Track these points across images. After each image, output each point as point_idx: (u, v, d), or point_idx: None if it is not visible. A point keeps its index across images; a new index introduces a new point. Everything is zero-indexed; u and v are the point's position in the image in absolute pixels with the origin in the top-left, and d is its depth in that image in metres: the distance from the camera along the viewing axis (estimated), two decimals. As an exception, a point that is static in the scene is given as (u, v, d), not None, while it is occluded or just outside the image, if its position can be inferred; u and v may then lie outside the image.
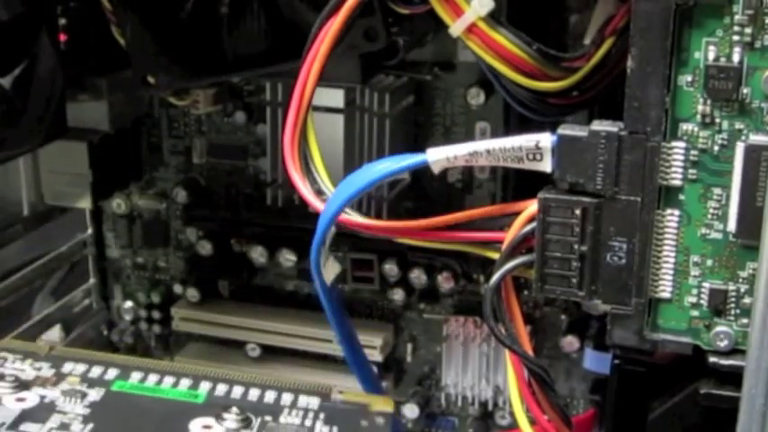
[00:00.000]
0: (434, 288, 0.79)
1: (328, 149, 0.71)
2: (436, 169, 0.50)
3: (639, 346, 0.49)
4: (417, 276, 0.79)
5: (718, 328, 0.48)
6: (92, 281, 0.91)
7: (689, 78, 0.46)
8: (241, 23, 0.66)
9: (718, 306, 0.48)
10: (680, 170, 0.47)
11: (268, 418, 0.57)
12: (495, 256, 0.50)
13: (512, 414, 0.59)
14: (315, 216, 0.54)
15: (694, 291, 0.48)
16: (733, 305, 0.47)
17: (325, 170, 0.54)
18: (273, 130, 0.75)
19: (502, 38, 0.51)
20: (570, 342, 0.77)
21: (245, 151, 0.82)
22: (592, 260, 0.48)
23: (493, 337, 0.51)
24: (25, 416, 0.56)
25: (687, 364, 0.50)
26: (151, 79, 0.68)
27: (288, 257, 0.82)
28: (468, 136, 0.76)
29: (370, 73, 0.71)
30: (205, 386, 0.60)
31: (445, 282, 0.78)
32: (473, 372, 0.80)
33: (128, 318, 0.90)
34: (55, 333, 0.86)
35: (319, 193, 0.54)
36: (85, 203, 0.83)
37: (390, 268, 0.79)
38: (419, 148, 0.76)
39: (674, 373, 0.51)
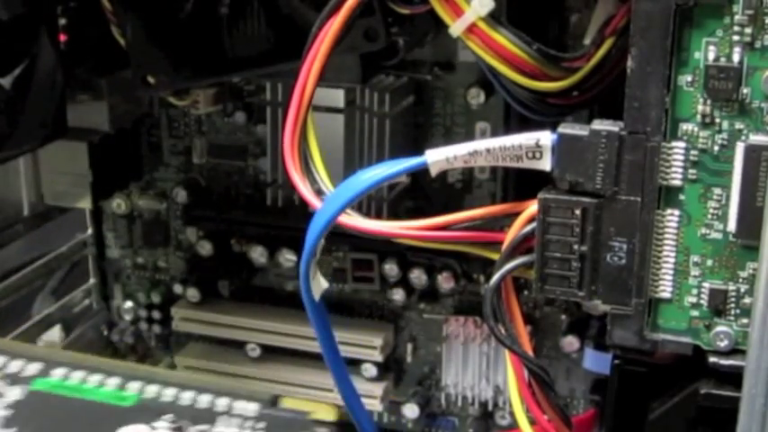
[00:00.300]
0: (434, 288, 0.79)
1: (328, 149, 0.70)
2: (434, 171, 0.49)
3: (639, 347, 0.49)
4: (417, 276, 0.79)
5: (719, 328, 0.48)
6: (92, 281, 0.91)
7: (689, 78, 0.46)
8: (241, 23, 0.66)
9: (718, 306, 0.48)
10: (680, 170, 0.47)
11: (203, 426, 0.54)
12: (495, 256, 0.50)
13: (512, 414, 0.59)
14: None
15: (694, 291, 0.48)
16: (733, 305, 0.47)
17: (326, 170, 0.54)
18: (273, 130, 0.75)
19: (502, 38, 0.51)
20: (570, 342, 0.76)
21: (245, 151, 0.82)
22: (592, 260, 0.48)
23: (493, 337, 0.51)
24: None
25: (687, 364, 0.50)
26: (151, 79, 0.68)
27: (288, 257, 0.82)
28: (468, 136, 0.76)
29: (370, 73, 0.71)
30: (134, 387, 0.56)
31: (445, 282, 0.78)
32: (473, 372, 0.80)
33: (128, 318, 0.90)
34: (55, 333, 0.86)
35: (319, 193, 0.53)
36: (85, 203, 0.83)
37: (390, 268, 0.79)
38: (419, 147, 0.76)
39: (674, 373, 0.51)
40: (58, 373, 0.57)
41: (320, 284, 0.54)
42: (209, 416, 0.55)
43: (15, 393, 0.55)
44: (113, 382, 0.57)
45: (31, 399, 0.55)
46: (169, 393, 0.56)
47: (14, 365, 0.58)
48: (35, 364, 0.58)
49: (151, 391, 0.56)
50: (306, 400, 0.58)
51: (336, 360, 0.57)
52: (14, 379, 0.56)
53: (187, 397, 0.56)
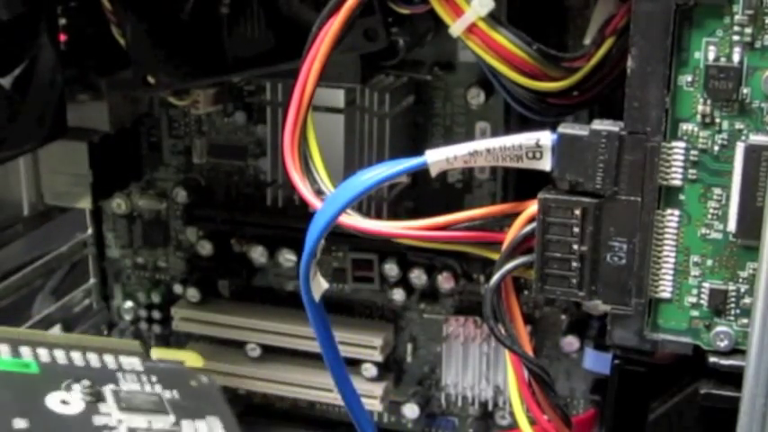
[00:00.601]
0: (434, 288, 0.79)
1: (328, 149, 0.70)
2: (434, 171, 0.49)
3: (639, 347, 0.49)
4: (417, 276, 0.79)
5: (719, 329, 0.48)
6: (92, 281, 0.91)
7: (689, 78, 0.46)
8: (241, 23, 0.66)
9: (718, 306, 0.48)
10: (680, 170, 0.47)
11: (112, 386, 0.56)
12: (495, 256, 0.50)
13: (512, 414, 0.59)
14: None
15: (694, 291, 0.48)
16: (733, 305, 0.47)
17: (326, 170, 0.54)
18: (273, 130, 0.75)
19: (502, 38, 0.51)
20: (570, 342, 0.76)
21: (245, 151, 0.82)
22: (592, 260, 0.48)
23: (493, 337, 0.51)
24: None
25: (687, 364, 0.50)
26: (151, 79, 0.68)
27: (288, 257, 0.82)
28: (468, 136, 0.76)
29: (370, 73, 0.71)
30: (26, 353, 0.56)
31: (445, 282, 0.78)
32: (473, 372, 0.80)
33: (128, 318, 0.90)
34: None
35: (319, 192, 0.53)
36: (85, 203, 0.83)
37: (390, 268, 0.79)
38: (419, 147, 0.76)
39: (674, 373, 0.51)
40: None
41: (320, 285, 0.54)
42: (110, 375, 0.57)
43: None
44: (4, 348, 0.57)
45: None
46: (60, 356, 0.57)
47: None
48: None
49: (44, 355, 0.56)
50: (167, 349, 0.61)
51: (336, 360, 0.57)
52: None
53: (77, 357, 0.57)
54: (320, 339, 0.56)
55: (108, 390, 0.56)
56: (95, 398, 0.55)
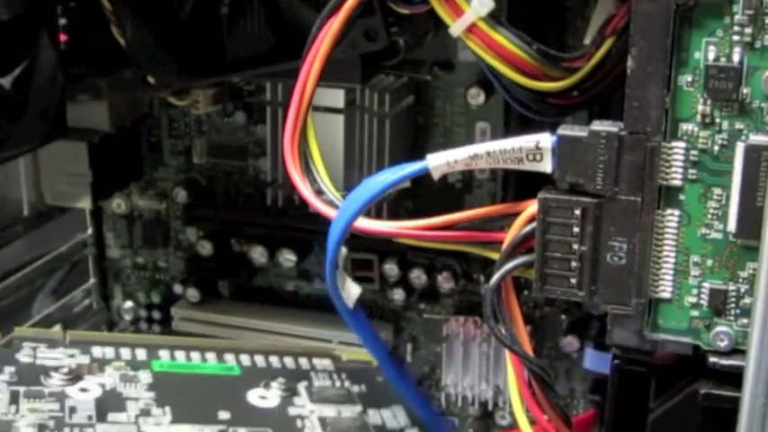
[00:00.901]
0: (434, 288, 0.79)
1: (328, 149, 0.71)
2: (436, 175, 0.49)
3: (639, 347, 0.49)
4: (417, 276, 0.79)
5: (719, 328, 0.48)
6: (92, 281, 0.91)
7: (689, 78, 0.46)
8: (241, 23, 0.66)
9: (718, 306, 0.48)
10: (680, 170, 0.47)
11: (305, 383, 0.64)
12: (495, 256, 0.50)
13: (512, 414, 0.59)
14: (315, 216, 0.54)
15: (694, 291, 0.48)
16: (733, 305, 0.47)
17: (325, 170, 0.54)
18: (273, 130, 0.75)
19: (502, 38, 0.51)
20: (570, 342, 0.76)
21: (245, 151, 0.82)
22: (592, 260, 0.48)
23: (493, 337, 0.51)
24: (101, 406, 0.56)
25: (687, 364, 0.50)
26: (151, 79, 0.68)
27: (288, 257, 0.82)
28: (468, 136, 0.76)
29: (370, 73, 0.71)
30: (230, 358, 0.65)
31: (445, 282, 0.78)
32: (473, 372, 0.80)
33: (128, 318, 0.90)
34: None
35: (319, 192, 0.54)
36: (85, 203, 0.83)
37: (390, 268, 0.79)
38: (419, 147, 0.77)
39: (674, 373, 0.51)
40: (164, 354, 0.64)
41: (352, 292, 0.54)
42: (304, 374, 0.65)
43: (146, 377, 0.61)
44: (210, 356, 0.65)
45: (161, 379, 0.61)
46: (260, 360, 0.66)
47: (125, 353, 0.64)
48: (140, 350, 0.64)
49: (245, 360, 0.65)
50: (350, 353, 0.69)
51: (390, 362, 0.57)
52: (135, 365, 0.62)
53: (275, 361, 0.66)
54: (367, 345, 0.56)
55: (301, 386, 0.63)
56: (290, 393, 0.62)
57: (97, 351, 0.63)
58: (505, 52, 0.51)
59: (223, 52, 0.66)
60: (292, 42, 0.62)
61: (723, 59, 0.45)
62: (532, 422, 0.53)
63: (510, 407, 0.78)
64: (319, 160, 0.54)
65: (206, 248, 0.84)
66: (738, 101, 0.45)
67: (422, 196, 0.78)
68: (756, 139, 0.45)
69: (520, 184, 0.73)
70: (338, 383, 0.65)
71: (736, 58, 0.45)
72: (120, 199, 0.86)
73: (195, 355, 0.65)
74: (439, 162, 0.49)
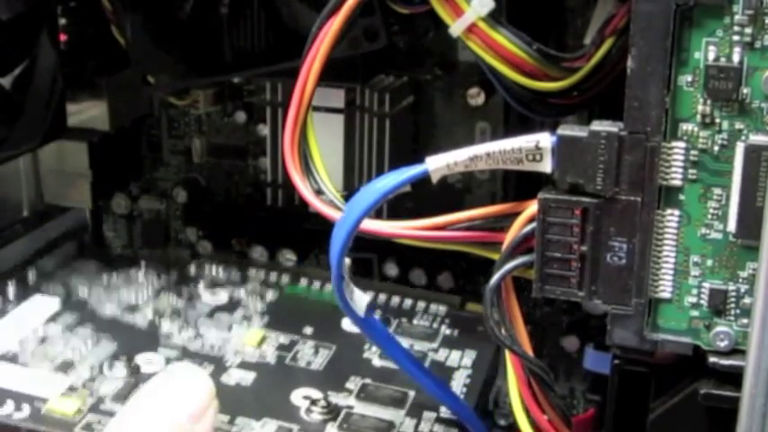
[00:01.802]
0: (434, 288, 0.79)
1: (328, 149, 0.71)
2: (436, 178, 0.49)
3: (639, 347, 0.49)
4: (417, 276, 0.79)
5: (719, 329, 0.48)
6: (92, 281, 0.91)
7: (689, 78, 0.46)
8: (241, 23, 0.66)
9: (718, 306, 0.48)
10: (680, 170, 0.47)
11: (404, 319, 0.71)
12: (495, 256, 0.50)
13: (512, 414, 0.59)
14: (315, 216, 0.54)
15: (694, 291, 0.48)
16: (733, 305, 0.47)
17: (325, 170, 0.54)
18: (273, 130, 0.75)
19: (502, 38, 0.51)
20: (570, 342, 0.76)
21: (245, 151, 0.82)
22: (592, 260, 0.48)
23: (493, 336, 0.51)
24: (217, 309, 0.71)
25: (687, 364, 0.49)
26: (151, 79, 0.68)
27: (288, 257, 0.82)
28: (468, 136, 0.76)
29: (370, 73, 0.71)
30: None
31: (445, 282, 0.78)
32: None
33: (128, 318, 0.90)
34: None
35: (319, 192, 0.54)
36: (85, 203, 0.83)
37: (390, 268, 0.79)
38: (419, 147, 0.76)
39: (674, 373, 0.51)
40: (303, 281, 0.76)
41: (361, 300, 0.54)
42: (410, 313, 0.73)
43: (273, 296, 0.74)
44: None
45: (285, 299, 0.74)
46: (381, 298, 0.75)
47: (272, 277, 0.76)
48: (286, 275, 0.77)
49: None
50: (475, 305, 0.74)
51: (412, 365, 0.57)
52: (272, 285, 0.75)
53: (395, 300, 0.74)
54: (384, 348, 0.56)
55: (396, 321, 0.71)
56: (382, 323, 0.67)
57: (252, 271, 0.78)
58: (505, 52, 0.51)
59: (223, 52, 0.66)
60: (292, 42, 0.62)
61: (723, 59, 0.45)
62: (532, 422, 0.53)
63: (510, 407, 0.78)
64: (319, 160, 0.54)
65: (206, 248, 0.84)
66: (738, 101, 0.45)
67: (422, 196, 0.78)
68: (756, 139, 0.45)
69: (520, 184, 0.73)
70: (435, 325, 0.71)
71: (736, 58, 0.45)
72: (121, 199, 0.86)
73: (328, 286, 0.74)
74: (439, 165, 0.49)
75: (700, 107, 0.46)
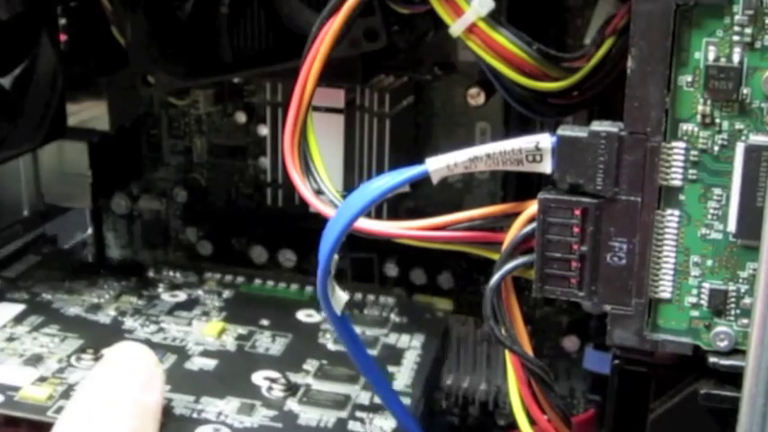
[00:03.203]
0: (434, 288, 0.79)
1: (328, 149, 0.71)
2: (436, 179, 0.49)
3: (639, 347, 0.49)
4: (417, 276, 0.79)
5: (719, 329, 0.48)
6: (92, 281, 0.91)
7: (689, 78, 0.46)
8: (241, 23, 0.66)
9: (718, 306, 0.48)
10: (680, 170, 0.47)
11: (356, 310, 0.74)
12: (495, 256, 0.50)
13: (512, 414, 0.59)
14: (315, 216, 0.54)
15: (694, 291, 0.48)
16: (733, 305, 0.47)
17: (325, 170, 0.54)
18: (273, 130, 0.75)
19: (502, 38, 0.51)
20: (570, 342, 0.76)
21: (245, 151, 0.82)
22: (592, 261, 0.48)
23: (493, 337, 0.51)
24: (177, 307, 0.73)
25: (687, 364, 0.49)
26: (151, 79, 0.68)
27: (288, 257, 0.82)
28: (468, 136, 0.76)
29: (370, 73, 0.71)
30: (310, 289, 0.76)
31: (445, 282, 0.78)
32: (473, 372, 0.80)
33: (128, 318, 0.90)
34: None
35: (319, 192, 0.53)
36: (85, 203, 0.83)
37: (390, 268, 0.79)
38: (419, 147, 0.77)
39: (674, 373, 0.51)
40: (257, 281, 0.79)
41: (340, 299, 0.54)
42: (361, 305, 0.75)
43: (227, 294, 0.77)
44: (294, 286, 0.78)
45: (240, 296, 0.76)
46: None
47: (227, 278, 0.79)
48: (241, 277, 0.79)
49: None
50: (430, 297, 0.78)
51: (373, 371, 0.57)
52: (226, 284, 0.78)
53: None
54: (352, 352, 0.56)
55: (348, 312, 0.70)
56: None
57: (208, 274, 0.80)
58: (505, 52, 0.51)
59: (223, 52, 0.66)
60: (292, 42, 0.62)
61: (723, 59, 0.45)
62: (532, 422, 0.53)
63: (510, 407, 0.78)
64: (319, 160, 0.54)
65: (206, 248, 0.84)
66: (738, 101, 0.45)
67: (422, 196, 0.78)
68: (756, 139, 0.45)
69: (520, 184, 0.73)
70: (384, 313, 0.74)
71: (736, 58, 0.45)
72: (121, 199, 0.86)
73: (282, 284, 0.78)
74: (438, 166, 0.49)
75: (700, 107, 0.46)
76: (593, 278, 0.48)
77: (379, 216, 0.72)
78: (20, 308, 0.71)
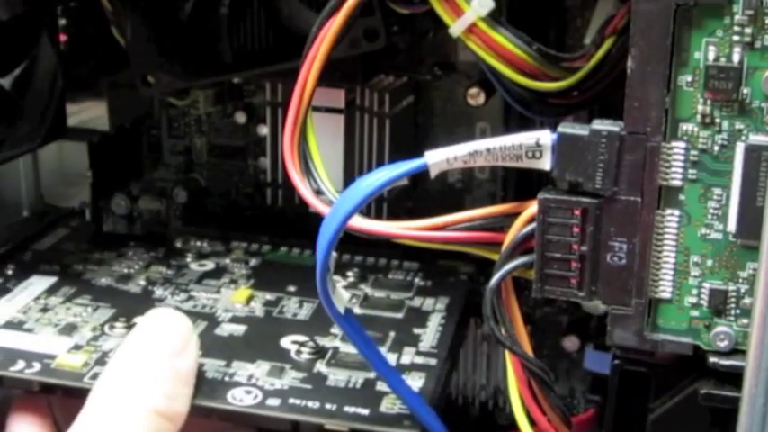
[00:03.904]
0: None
1: (328, 149, 0.71)
2: (434, 172, 0.49)
3: (639, 347, 0.49)
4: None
5: (719, 329, 0.48)
6: (92, 281, 0.91)
7: (689, 78, 0.46)
8: (241, 23, 0.66)
9: (718, 306, 0.48)
10: (680, 170, 0.47)
11: (380, 275, 0.74)
12: (495, 256, 0.50)
13: (512, 414, 0.59)
14: (315, 216, 0.54)
15: (694, 291, 0.48)
16: (733, 305, 0.47)
17: (325, 170, 0.54)
18: (273, 131, 0.75)
19: (502, 38, 0.51)
20: (570, 342, 0.76)
21: (245, 151, 0.82)
22: (592, 261, 0.48)
23: (493, 337, 0.51)
24: (205, 275, 0.74)
25: (687, 364, 0.49)
26: (151, 79, 0.68)
27: (288, 257, 0.81)
28: (469, 136, 0.76)
29: (370, 73, 0.71)
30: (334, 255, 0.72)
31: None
32: (473, 372, 0.80)
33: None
34: None
35: (319, 193, 0.53)
36: (85, 204, 0.83)
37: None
38: (419, 148, 0.76)
39: (674, 373, 0.51)
40: (283, 249, 0.79)
41: (342, 296, 0.54)
42: (385, 269, 0.76)
43: (254, 262, 0.77)
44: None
45: (266, 264, 0.77)
46: (357, 258, 0.77)
47: (254, 247, 0.79)
48: (267, 246, 0.80)
49: (345, 258, 0.77)
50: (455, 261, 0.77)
51: (385, 366, 0.57)
52: (254, 254, 0.78)
53: (370, 260, 0.77)
54: (361, 349, 0.56)
55: (373, 276, 0.74)
56: (359, 279, 0.74)
57: (234, 243, 0.80)
58: (505, 52, 0.51)
59: (223, 52, 0.66)
60: (292, 42, 0.62)
61: (723, 59, 0.45)
62: (532, 422, 0.53)
63: (510, 407, 0.78)
64: (319, 160, 0.54)
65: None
66: (738, 101, 0.45)
67: (422, 196, 0.78)
68: (756, 139, 0.45)
69: (520, 184, 0.73)
70: (409, 278, 0.74)
71: (736, 58, 0.45)
72: (121, 199, 0.86)
73: (307, 252, 0.79)
74: (438, 159, 0.49)
75: (700, 107, 0.46)
76: (593, 278, 0.48)
77: (379, 216, 0.72)
78: (52, 280, 0.72)
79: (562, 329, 0.77)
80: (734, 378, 0.47)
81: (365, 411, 0.57)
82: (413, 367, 0.62)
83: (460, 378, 0.80)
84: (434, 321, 0.68)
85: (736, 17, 0.44)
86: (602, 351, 0.73)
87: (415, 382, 0.60)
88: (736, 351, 0.48)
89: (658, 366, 0.51)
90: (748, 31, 0.44)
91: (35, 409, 0.62)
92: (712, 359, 0.48)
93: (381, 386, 0.59)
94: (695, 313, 0.48)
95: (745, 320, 0.47)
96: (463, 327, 0.71)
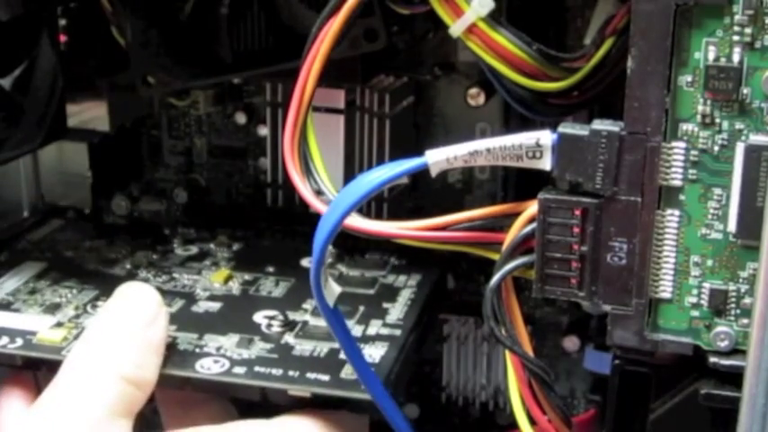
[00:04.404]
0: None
1: (328, 149, 0.71)
2: (434, 172, 0.49)
3: (640, 347, 0.49)
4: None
5: (719, 329, 0.48)
6: (92, 281, 0.91)
7: (689, 78, 0.46)
8: (241, 23, 0.66)
9: (718, 306, 0.48)
10: (680, 170, 0.47)
11: (358, 255, 0.76)
12: (495, 256, 0.50)
13: (512, 414, 0.59)
14: (315, 216, 0.54)
15: (695, 291, 0.48)
16: (733, 305, 0.47)
17: (325, 170, 0.54)
18: (273, 131, 0.75)
19: (502, 38, 0.51)
20: (570, 342, 0.76)
21: (245, 151, 0.82)
22: (592, 261, 0.48)
23: (493, 337, 0.51)
24: (188, 259, 0.76)
25: (687, 364, 0.50)
26: (151, 79, 0.68)
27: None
28: (469, 136, 0.75)
29: (370, 73, 0.71)
30: (331, 249, 0.75)
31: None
32: (473, 372, 0.80)
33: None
34: None
35: (319, 193, 0.53)
36: (85, 203, 0.83)
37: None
38: (419, 148, 0.76)
39: (674, 373, 0.51)
40: (267, 236, 0.81)
41: (333, 291, 0.54)
42: (364, 249, 0.76)
43: (237, 247, 0.78)
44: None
45: (250, 249, 0.78)
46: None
47: (238, 233, 0.80)
48: (250, 232, 0.81)
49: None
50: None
51: (362, 365, 0.57)
52: (237, 238, 0.80)
53: (349, 242, 0.76)
54: (343, 345, 0.56)
55: (349, 256, 0.76)
56: (336, 260, 0.75)
57: (220, 229, 0.82)
58: (505, 52, 0.51)
59: (223, 53, 0.66)
60: (292, 42, 0.62)
61: (723, 59, 0.45)
62: (532, 422, 0.53)
63: (510, 407, 0.78)
64: (319, 161, 0.54)
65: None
66: (738, 101, 0.45)
67: (422, 196, 0.78)
68: (756, 139, 0.45)
69: (520, 184, 0.73)
70: (385, 257, 0.76)
71: (736, 58, 0.45)
72: (121, 199, 0.86)
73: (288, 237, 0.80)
74: (438, 158, 0.49)
75: (700, 107, 0.46)
76: (593, 278, 0.48)
77: (379, 216, 0.72)
78: (42, 265, 0.74)
79: (562, 329, 0.77)
80: (734, 378, 0.47)
81: (326, 377, 0.59)
82: (377, 338, 0.64)
83: (461, 378, 0.80)
84: (404, 296, 0.70)
85: (736, 17, 0.44)
86: (602, 351, 0.73)
87: (378, 350, 0.62)
88: (737, 351, 0.48)
89: (659, 366, 0.51)
90: (748, 31, 0.44)
91: (22, 386, 0.64)
92: (712, 359, 0.48)
93: (344, 355, 0.60)
94: (695, 313, 0.48)
95: (745, 320, 0.47)
96: (436, 301, 0.73)
